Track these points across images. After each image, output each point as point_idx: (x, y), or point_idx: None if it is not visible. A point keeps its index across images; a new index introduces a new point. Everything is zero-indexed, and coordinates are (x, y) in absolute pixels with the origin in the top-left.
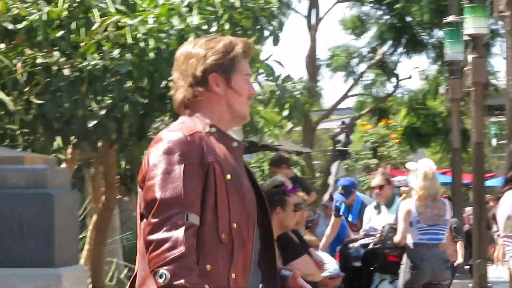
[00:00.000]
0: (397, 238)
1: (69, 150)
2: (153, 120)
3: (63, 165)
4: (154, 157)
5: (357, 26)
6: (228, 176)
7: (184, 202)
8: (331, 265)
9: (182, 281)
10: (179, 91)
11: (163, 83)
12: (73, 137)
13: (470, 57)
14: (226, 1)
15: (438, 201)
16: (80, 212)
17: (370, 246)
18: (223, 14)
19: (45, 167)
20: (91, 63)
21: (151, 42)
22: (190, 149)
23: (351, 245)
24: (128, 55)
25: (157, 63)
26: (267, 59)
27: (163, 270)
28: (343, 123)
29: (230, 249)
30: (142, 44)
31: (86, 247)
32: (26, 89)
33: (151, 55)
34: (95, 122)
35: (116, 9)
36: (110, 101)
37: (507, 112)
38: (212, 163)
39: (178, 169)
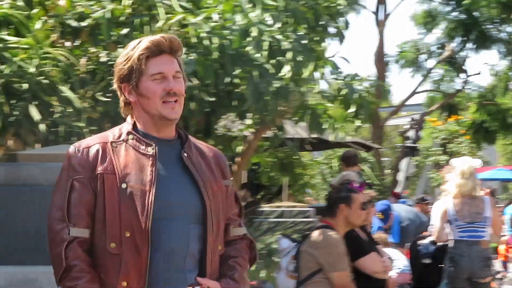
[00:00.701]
0: (433, 237)
1: None
2: (219, 117)
3: None
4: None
5: (427, 22)
6: (123, 185)
7: (67, 217)
8: (401, 261)
9: None
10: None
11: (227, 80)
12: None
13: None
14: None
15: (476, 199)
16: None
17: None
18: (284, 8)
19: None
20: None
21: (215, 40)
22: (79, 163)
23: (420, 242)
24: (193, 55)
25: (221, 60)
26: (333, 56)
27: None
28: (412, 119)
29: (120, 258)
30: (206, 42)
31: None
32: (91, 87)
33: (215, 53)
34: None
35: (181, 6)
36: None
37: None
38: (102, 174)
39: (65, 186)
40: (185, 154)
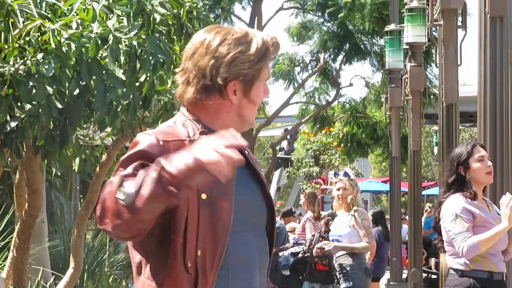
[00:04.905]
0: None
1: None
2: (75, 127)
3: None
4: (124, 158)
5: (301, 34)
6: (203, 196)
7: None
8: None
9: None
10: (188, 88)
11: (80, 87)
12: None
13: (408, 66)
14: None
15: None
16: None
17: (300, 255)
18: (137, 13)
19: None
20: (15, 67)
21: (73, 47)
22: (161, 155)
23: (281, 253)
24: (51, 60)
25: (78, 67)
26: None
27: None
28: (286, 130)
29: (194, 279)
30: (64, 49)
31: (10, 255)
32: None
33: (73, 59)
34: (13, 126)
35: (40, 13)
36: (29, 106)
37: (440, 120)
38: None
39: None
40: (247, 153)
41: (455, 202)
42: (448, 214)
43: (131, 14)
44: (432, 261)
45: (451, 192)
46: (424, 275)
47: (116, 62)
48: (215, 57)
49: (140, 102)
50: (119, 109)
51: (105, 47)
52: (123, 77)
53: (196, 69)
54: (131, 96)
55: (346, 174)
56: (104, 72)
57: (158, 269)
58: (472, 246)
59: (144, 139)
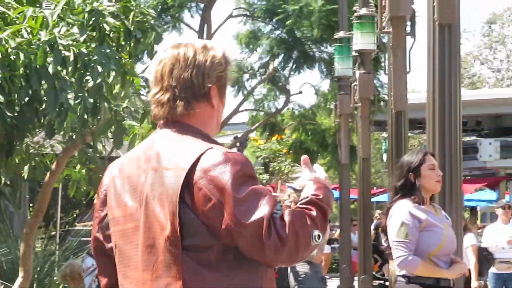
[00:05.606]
0: None
1: None
2: (24, 135)
3: None
4: (231, 179)
5: (250, 41)
6: None
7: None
8: None
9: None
10: (177, 103)
11: (30, 93)
12: None
13: (357, 73)
14: (94, 11)
15: None
16: None
17: None
18: (89, 24)
19: None
20: None
21: (22, 56)
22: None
23: None
24: None
25: (27, 76)
26: (142, 72)
27: (316, 232)
28: (235, 138)
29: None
30: (12, 58)
31: None
32: None
33: (21, 69)
34: None
35: None
36: None
37: (389, 127)
38: None
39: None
40: None
41: (402, 208)
42: (394, 219)
43: (83, 23)
44: (386, 268)
45: (399, 197)
46: (377, 282)
47: (64, 70)
48: (196, 66)
49: (90, 106)
50: (68, 112)
51: (51, 54)
52: (73, 80)
53: (182, 82)
54: (81, 99)
55: (292, 188)
56: (54, 77)
57: (256, 272)
58: (412, 262)
59: (244, 158)
